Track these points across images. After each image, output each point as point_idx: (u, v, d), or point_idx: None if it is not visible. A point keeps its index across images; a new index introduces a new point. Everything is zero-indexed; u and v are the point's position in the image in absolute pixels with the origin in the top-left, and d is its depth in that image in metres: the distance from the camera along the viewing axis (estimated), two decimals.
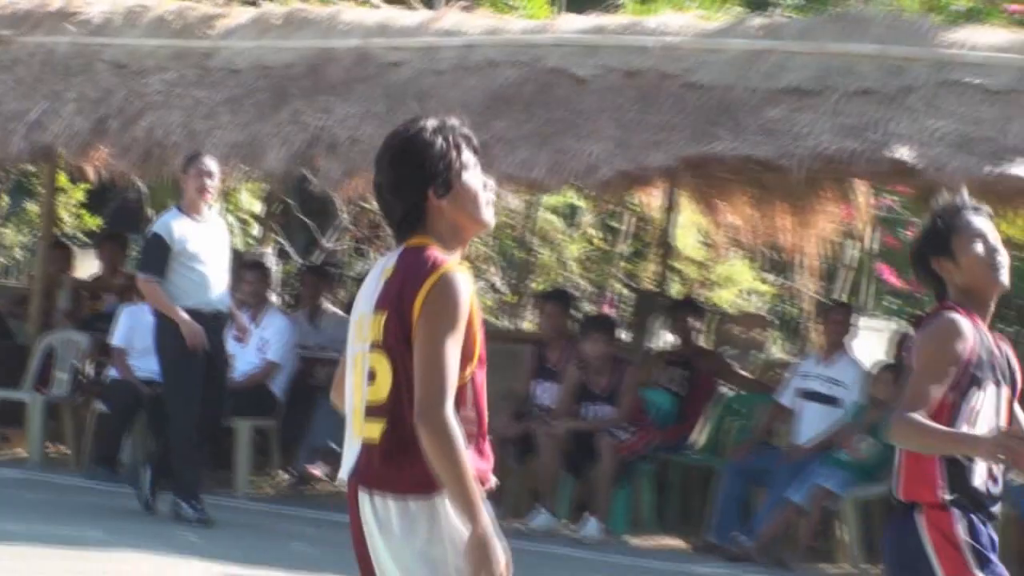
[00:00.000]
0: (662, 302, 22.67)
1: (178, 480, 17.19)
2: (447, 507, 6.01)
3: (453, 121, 6.38)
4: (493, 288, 29.00)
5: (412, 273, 5.89)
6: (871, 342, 23.78)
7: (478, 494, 5.93)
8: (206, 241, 17.09)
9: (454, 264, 5.97)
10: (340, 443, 7.43)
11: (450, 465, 5.96)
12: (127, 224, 28.50)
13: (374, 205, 24.06)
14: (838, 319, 18.01)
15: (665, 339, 22.22)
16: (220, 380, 17.71)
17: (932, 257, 7.40)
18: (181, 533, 16.43)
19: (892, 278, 28.26)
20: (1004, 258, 7.29)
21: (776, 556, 16.22)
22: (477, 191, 6.33)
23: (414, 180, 6.34)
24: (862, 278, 27.47)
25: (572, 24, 21.19)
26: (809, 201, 21.19)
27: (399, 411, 5.88)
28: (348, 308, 13.42)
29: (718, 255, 26.78)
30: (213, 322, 17.20)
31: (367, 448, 5.88)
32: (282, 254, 27.24)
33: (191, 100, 20.55)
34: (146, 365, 19.03)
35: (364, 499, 5.87)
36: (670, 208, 22.74)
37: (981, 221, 7.75)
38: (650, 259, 26.53)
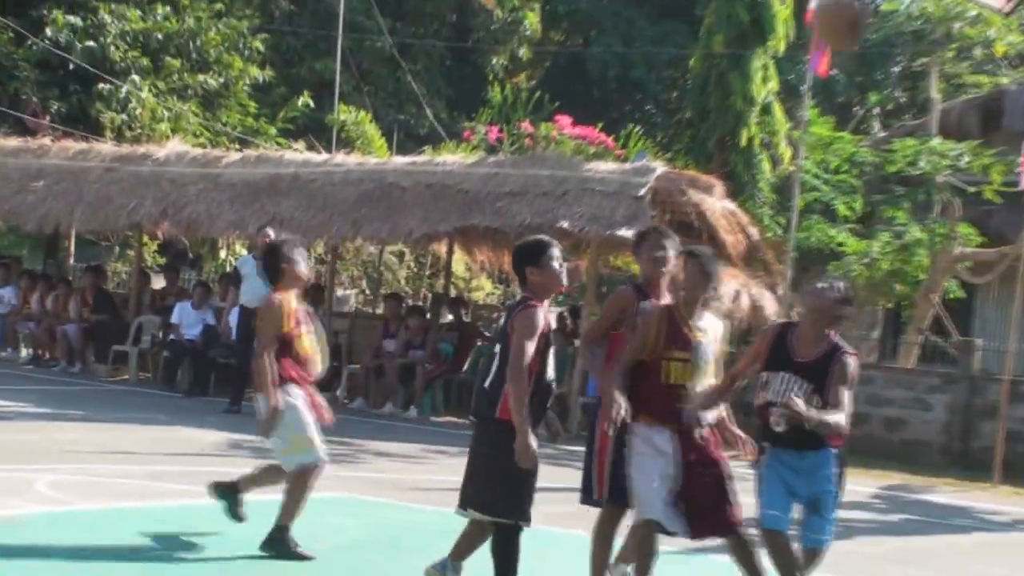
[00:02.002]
0: (446, 299, 25.67)
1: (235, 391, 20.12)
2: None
3: (553, 244, 8.29)
4: (363, 292, 31.27)
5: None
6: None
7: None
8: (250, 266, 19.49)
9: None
10: None
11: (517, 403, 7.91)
12: (178, 261, 31.64)
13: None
14: None
15: (447, 317, 24.69)
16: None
17: (526, 266, 8.08)
18: (212, 419, 18.90)
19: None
20: (563, 269, 8.18)
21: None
22: (556, 271, 8.05)
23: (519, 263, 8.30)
24: None
25: (399, 160, 25.04)
26: None
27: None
28: None
29: (473, 275, 29.67)
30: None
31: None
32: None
33: (209, 199, 23.94)
34: (190, 332, 23.34)
35: None
36: (450, 252, 26.11)
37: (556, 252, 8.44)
38: (440, 277, 28.98)
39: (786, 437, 8.22)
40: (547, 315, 8.27)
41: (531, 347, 8.04)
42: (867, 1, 10.92)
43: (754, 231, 22.42)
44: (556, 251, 8.30)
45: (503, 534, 8.18)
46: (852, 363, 8.33)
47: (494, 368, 8.17)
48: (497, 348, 8.29)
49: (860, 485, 16.97)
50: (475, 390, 8.54)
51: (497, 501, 8.17)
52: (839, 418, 8.07)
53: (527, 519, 8.22)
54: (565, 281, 8.42)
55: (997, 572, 11.82)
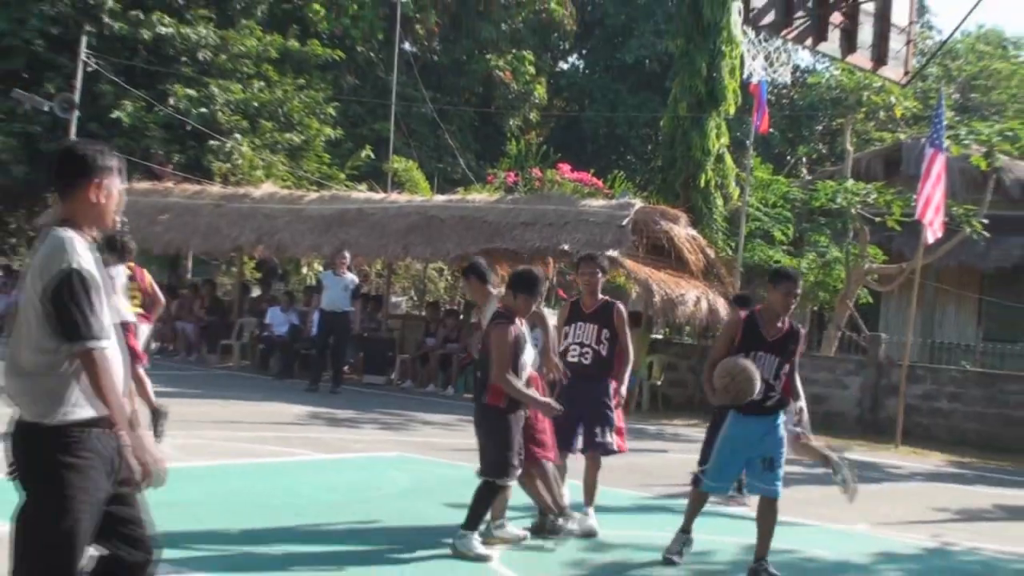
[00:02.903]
0: (475, 305, 24.90)
1: (336, 374, 20.07)
2: None
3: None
4: (412, 299, 31.68)
5: None
6: None
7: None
8: (336, 281, 19.90)
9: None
10: None
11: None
12: (270, 275, 32.35)
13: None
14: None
15: (475, 318, 20.96)
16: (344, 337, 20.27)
17: (519, 291, 7.84)
18: (296, 396, 18.84)
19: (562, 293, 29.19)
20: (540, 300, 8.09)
21: None
22: (537, 303, 8.29)
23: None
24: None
25: (439, 198, 24.80)
26: (534, 262, 22.18)
27: None
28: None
29: (496, 286, 29.14)
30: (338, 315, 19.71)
31: None
32: None
33: (294, 228, 23.90)
34: (279, 330, 23.37)
35: None
36: None
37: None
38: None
39: (754, 404, 7.95)
40: (518, 325, 8.10)
41: (506, 354, 7.94)
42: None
43: (711, 251, 22.41)
44: (542, 288, 8.37)
45: (485, 486, 8.13)
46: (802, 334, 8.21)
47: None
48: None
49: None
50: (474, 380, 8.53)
51: (483, 463, 8.17)
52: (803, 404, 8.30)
53: (507, 478, 8.14)
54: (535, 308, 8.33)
55: (899, 511, 11.85)
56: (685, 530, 8.51)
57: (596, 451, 9.32)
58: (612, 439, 9.31)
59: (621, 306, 9.60)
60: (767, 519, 8.04)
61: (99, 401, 4.39)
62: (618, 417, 9.47)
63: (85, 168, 4.52)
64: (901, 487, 13.58)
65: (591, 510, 9.32)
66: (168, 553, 7.26)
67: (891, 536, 10.32)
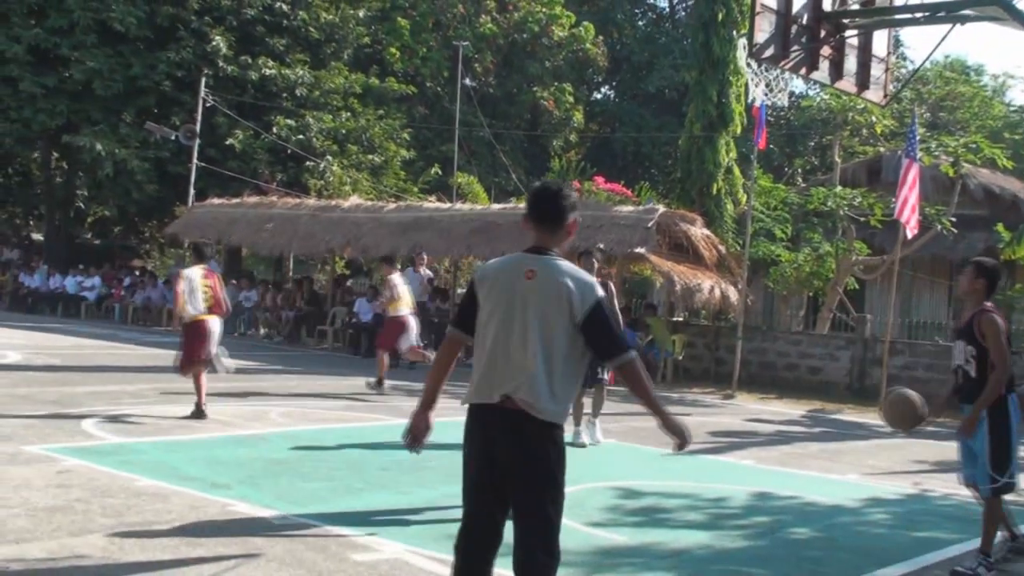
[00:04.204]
0: None
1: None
2: None
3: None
4: None
5: None
6: None
7: None
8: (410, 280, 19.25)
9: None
10: None
11: None
12: (357, 273, 32.25)
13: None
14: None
15: None
16: None
17: None
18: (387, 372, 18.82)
19: None
20: None
21: None
22: None
23: None
24: None
25: (495, 207, 24.66)
26: (574, 259, 23.99)
27: None
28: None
29: None
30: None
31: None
32: None
33: (376, 232, 23.50)
34: (365, 317, 22.99)
35: None
36: None
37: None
38: None
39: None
40: None
41: None
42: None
43: (722, 248, 22.19)
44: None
45: None
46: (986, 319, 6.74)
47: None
48: None
49: (794, 409, 17.22)
50: None
51: None
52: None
53: None
54: None
55: (884, 463, 11.71)
56: (1014, 537, 7.27)
57: (601, 384, 11.27)
58: (606, 376, 11.20)
59: (611, 284, 11.55)
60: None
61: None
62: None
63: (570, 207, 4.50)
64: (885, 443, 13.32)
65: (597, 421, 11.49)
66: (283, 504, 7.41)
67: (878, 484, 10.22)
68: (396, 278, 15.33)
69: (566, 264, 4.35)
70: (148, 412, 11.51)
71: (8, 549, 5.81)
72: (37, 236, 42.00)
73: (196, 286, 11.53)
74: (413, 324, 15.15)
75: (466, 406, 4.44)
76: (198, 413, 11.31)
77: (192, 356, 11.50)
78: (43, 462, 8.30)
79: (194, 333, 11.51)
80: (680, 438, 4.68)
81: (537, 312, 4.29)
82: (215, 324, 11.68)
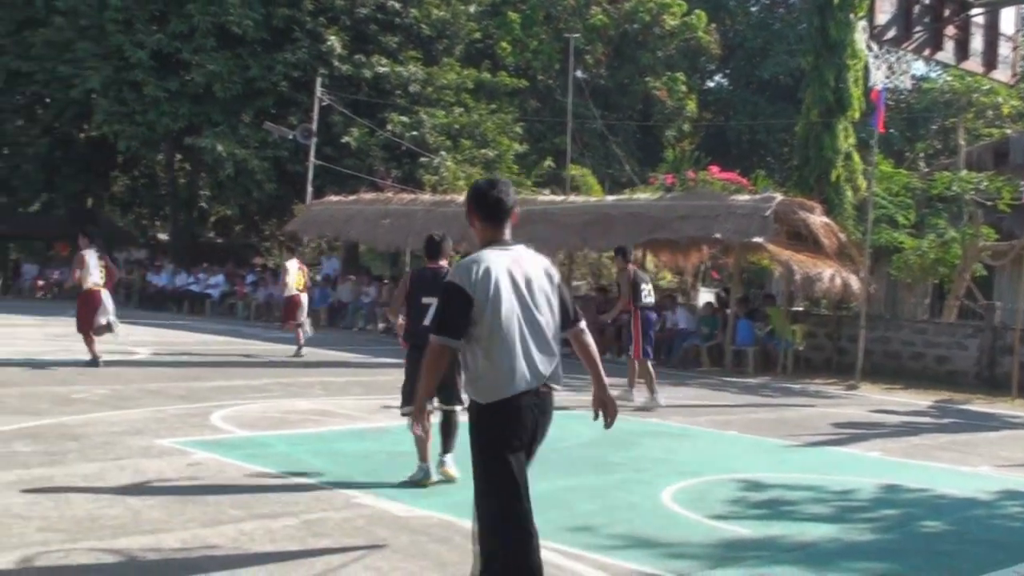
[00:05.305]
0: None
1: None
2: None
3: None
4: (589, 283, 30.02)
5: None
6: None
7: None
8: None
9: None
10: None
11: None
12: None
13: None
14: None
15: None
16: None
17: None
18: None
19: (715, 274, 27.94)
20: None
21: None
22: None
23: None
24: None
25: (609, 198, 24.71)
26: (690, 249, 22.46)
27: None
28: None
29: (658, 270, 27.73)
30: None
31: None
32: None
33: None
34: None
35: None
36: (644, 255, 23.96)
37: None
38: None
39: None
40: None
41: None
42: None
43: (843, 236, 21.79)
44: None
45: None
46: None
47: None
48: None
49: (921, 400, 16.83)
50: None
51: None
52: None
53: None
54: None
55: (1018, 455, 11.36)
56: None
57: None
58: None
59: (641, 272, 13.97)
60: None
61: None
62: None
63: (515, 202, 4.86)
64: (1020, 434, 12.96)
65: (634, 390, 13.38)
66: (407, 496, 7.47)
67: (1012, 476, 9.89)
68: (637, 273, 15.39)
69: (529, 250, 4.74)
70: (273, 406, 11.68)
71: (145, 539, 6.00)
72: (163, 236, 43.31)
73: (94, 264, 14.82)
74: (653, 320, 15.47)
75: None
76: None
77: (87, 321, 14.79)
78: (174, 455, 8.54)
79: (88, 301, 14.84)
80: (610, 414, 4.90)
81: (543, 300, 4.66)
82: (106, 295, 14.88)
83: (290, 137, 30.88)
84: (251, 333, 23.15)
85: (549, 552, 6.10)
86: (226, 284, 31.44)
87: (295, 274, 18.04)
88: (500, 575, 4.51)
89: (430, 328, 4.72)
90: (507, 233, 4.71)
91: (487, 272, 4.51)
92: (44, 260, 38.57)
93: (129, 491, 7.13)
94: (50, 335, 19.45)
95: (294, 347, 18.11)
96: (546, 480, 8.32)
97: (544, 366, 4.55)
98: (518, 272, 4.58)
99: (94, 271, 14.88)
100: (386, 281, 28.91)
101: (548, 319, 4.63)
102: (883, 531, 7.30)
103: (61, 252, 40.33)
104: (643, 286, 13.65)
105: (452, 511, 6.99)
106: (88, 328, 14.84)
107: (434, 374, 4.75)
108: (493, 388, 4.51)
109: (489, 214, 4.69)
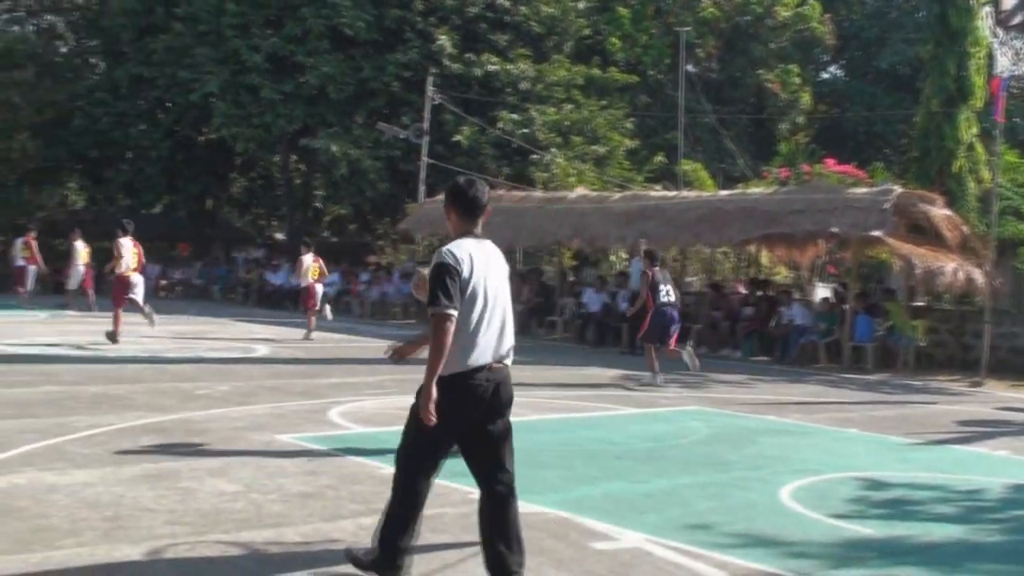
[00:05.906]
0: (758, 283, 24.28)
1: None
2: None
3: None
4: (702, 279, 29.81)
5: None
6: None
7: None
8: (635, 266, 20.42)
9: None
10: None
11: None
12: (582, 263, 30.75)
13: None
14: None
15: (759, 293, 23.18)
16: None
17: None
18: (610, 360, 20.33)
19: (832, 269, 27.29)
20: None
21: None
22: None
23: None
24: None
25: (722, 193, 24.41)
26: (806, 244, 21.24)
27: None
28: None
29: (774, 264, 27.11)
30: None
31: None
32: None
33: (602, 223, 23.42)
34: (593, 307, 23.16)
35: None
36: (758, 250, 24.63)
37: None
38: (752, 267, 27.39)
39: None
40: None
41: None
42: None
43: (966, 228, 21.20)
44: None
45: None
46: None
47: None
48: None
49: None
50: None
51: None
52: None
53: None
54: None
55: None
56: None
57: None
58: None
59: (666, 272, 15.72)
60: None
61: None
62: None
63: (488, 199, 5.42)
64: None
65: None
66: (522, 492, 7.46)
67: None
68: (657, 275, 15.77)
69: (491, 243, 5.31)
70: (389, 403, 11.72)
71: (267, 533, 6.14)
72: (280, 236, 44.10)
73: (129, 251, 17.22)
74: (675, 316, 16.04)
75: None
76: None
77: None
78: (294, 450, 8.68)
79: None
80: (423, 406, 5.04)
81: (504, 288, 5.29)
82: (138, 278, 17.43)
83: (402, 137, 31.26)
84: (366, 330, 23.35)
85: (667, 550, 6.11)
86: (341, 282, 31.71)
87: (310, 266, 20.53)
88: (397, 508, 5.32)
89: (430, 303, 5.01)
90: (479, 227, 5.27)
91: (469, 256, 5.07)
92: (167, 261, 39.47)
93: (251, 485, 7.29)
94: (174, 333, 19.96)
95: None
96: (664, 477, 8.31)
97: (501, 344, 5.16)
98: (486, 260, 5.16)
99: (128, 258, 17.26)
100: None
101: (506, 302, 5.22)
102: (1012, 532, 7.08)
103: (183, 253, 41.82)
104: (662, 287, 15.60)
105: (567, 508, 6.97)
106: (119, 307, 17.26)
107: (445, 349, 4.98)
108: (454, 360, 4.98)
109: (466, 210, 5.26)
